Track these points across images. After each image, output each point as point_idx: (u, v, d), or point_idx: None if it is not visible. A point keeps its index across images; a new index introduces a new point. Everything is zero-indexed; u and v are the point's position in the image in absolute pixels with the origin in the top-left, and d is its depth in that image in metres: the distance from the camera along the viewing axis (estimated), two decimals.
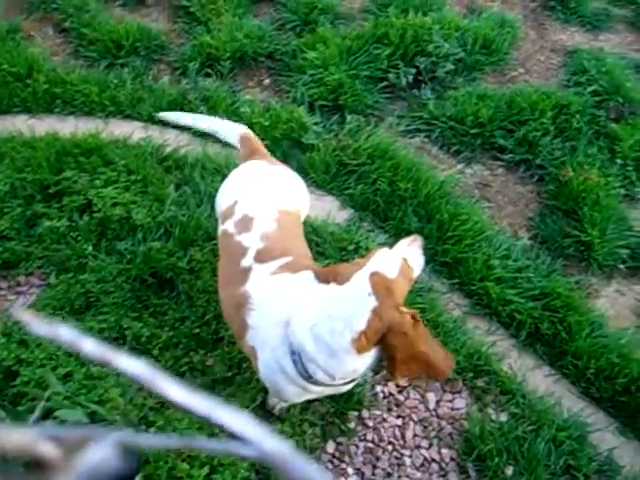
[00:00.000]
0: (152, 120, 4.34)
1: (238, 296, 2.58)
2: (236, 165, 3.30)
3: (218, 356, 3.25)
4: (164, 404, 3.00)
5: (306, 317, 2.31)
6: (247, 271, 2.62)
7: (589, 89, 4.80)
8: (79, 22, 4.91)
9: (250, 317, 2.52)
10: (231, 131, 3.42)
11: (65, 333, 0.71)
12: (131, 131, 4.27)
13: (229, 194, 2.94)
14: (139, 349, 3.25)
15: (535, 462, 3.09)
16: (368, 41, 4.83)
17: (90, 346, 0.68)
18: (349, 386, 2.58)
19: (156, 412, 3.01)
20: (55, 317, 3.31)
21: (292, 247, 2.74)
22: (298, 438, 3.05)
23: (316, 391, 2.51)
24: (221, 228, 2.85)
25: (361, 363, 2.32)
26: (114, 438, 0.68)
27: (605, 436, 3.29)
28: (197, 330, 3.33)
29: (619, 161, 4.40)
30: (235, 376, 3.19)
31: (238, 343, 2.73)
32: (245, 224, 2.74)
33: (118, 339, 3.28)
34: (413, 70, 4.72)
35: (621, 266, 3.98)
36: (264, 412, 3.12)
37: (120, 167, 3.95)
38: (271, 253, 2.64)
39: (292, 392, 2.53)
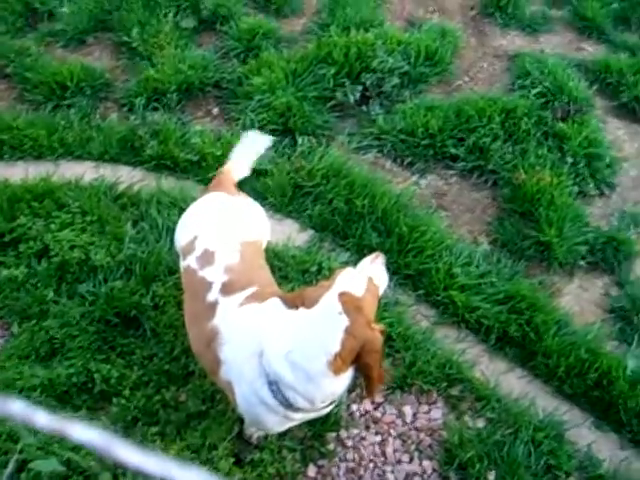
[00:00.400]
0: (103, 159, 4.32)
1: (207, 332, 2.56)
2: (192, 198, 3.30)
3: (190, 390, 3.22)
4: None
5: (279, 345, 2.30)
6: (214, 305, 2.60)
7: (534, 91, 4.86)
8: (21, 66, 4.87)
9: (222, 352, 2.50)
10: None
11: (17, 408, 0.69)
12: (83, 172, 4.23)
13: (188, 229, 2.93)
14: (109, 391, 3.21)
15: (516, 465, 3.10)
16: (313, 62, 4.85)
17: (43, 419, 0.66)
18: (328, 409, 2.57)
19: None
20: (21, 367, 3.26)
21: (256, 277, 2.74)
22: (278, 465, 3.02)
23: (297, 418, 2.50)
24: (183, 264, 2.84)
25: (339, 385, 2.32)
26: None
27: (582, 432, 3.32)
28: (167, 366, 3.30)
29: (569, 159, 4.46)
30: (209, 409, 3.16)
31: (212, 378, 2.70)
32: (207, 258, 2.74)
33: (87, 383, 3.23)
34: (360, 87, 4.75)
35: (581, 262, 4.02)
36: (242, 442, 3.09)
37: (74, 209, 3.91)
38: (236, 285, 2.64)
39: (273, 422, 2.51)
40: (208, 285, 2.66)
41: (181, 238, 2.93)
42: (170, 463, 0.64)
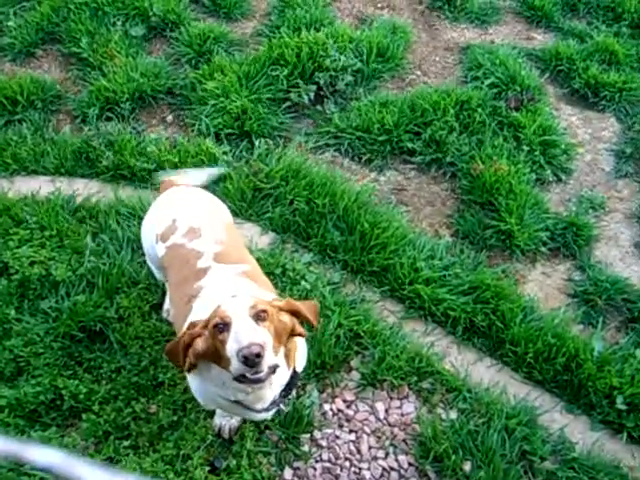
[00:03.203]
0: (59, 172, 4.26)
1: (192, 290, 2.60)
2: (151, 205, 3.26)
3: (161, 401, 3.19)
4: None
5: None
6: (205, 270, 2.66)
7: (486, 82, 4.91)
8: None
9: (196, 303, 2.55)
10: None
11: None
12: (38, 186, 4.17)
13: (164, 216, 2.96)
14: (78, 407, 3.17)
15: (491, 453, 3.12)
16: (265, 64, 4.84)
17: None
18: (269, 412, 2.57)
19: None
20: None
21: (247, 257, 2.86)
22: (254, 470, 3.01)
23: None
24: (165, 245, 2.85)
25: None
26: None
27: (554, 416, 3.35)
28: (135, 378, 3.27)
29: (525, 148, 4.51)
30: (181, 419, 3.14)
31: (177, 331, 2.68)
32: (194, 233, 2.80)
33: (55, 400, 3.19)
34: (314, 87, 4.75)
35: (543, 249, 4.06)
36: (218, 449, 3.07)
37: (32, 224, 3.86)
38: (231, 256, 2.72)
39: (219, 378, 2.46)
40: (199, 254, 2.71)
41: (157, 226, 2.94)
42: None
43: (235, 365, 2.14)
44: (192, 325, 2.33)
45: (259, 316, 2.19)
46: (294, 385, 2.59)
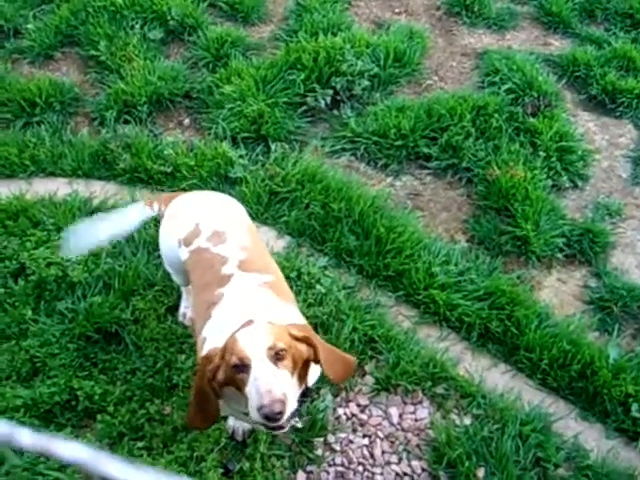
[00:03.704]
0: (76, 174, 4.29)
1: (213, 296, 2.60)
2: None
3: (175, 403, 3.20)
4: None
5: None
6: (229, 277, 2.65)
7: (503, 88, 4.90)
8: None
9: (215, 310, 2.55)
10: (130, 212, 3.31)
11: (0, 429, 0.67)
12: (56, 188, 4.20)
13: (185, 221, 2.94)
14: (93, 408, 3.18)
15: (505, 460, 3.11)
16: (282, 68, 4.86)
17: (28, 439, 0.65)
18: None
19: None
20: (3, 388, 3.23)
21: (272, 266, 2.84)
22: (267, 473, 3.01)
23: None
24: (189, 250, 2.84)
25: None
26: None
27: (568, 423, 3.33)
28: (150, 380, 3.28)
29: (542, 153, 4.50)
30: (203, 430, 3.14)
31: (195, 338, 2.69)
32: (218, 237, 2.79)
33: (70, 401, 3.20)
34: (330, 91, 4.75)
35: (559, 255, 4.05)
36: (232, 452, 3.08)
37: (49, 226, 3.88)
38: (254, 265, 2.71)
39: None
40: (224, 259, 2.70)
41: (179, 230, 2.92)
42: (159, 476, 0.63)
43: (255, 416, 2.14)
44: (208, 360, 2.29)
45: (278, 355, 2.17)
46: (307, 401, 2.59)
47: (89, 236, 3.28)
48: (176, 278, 3.27)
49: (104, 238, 3.30)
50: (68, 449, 0.63)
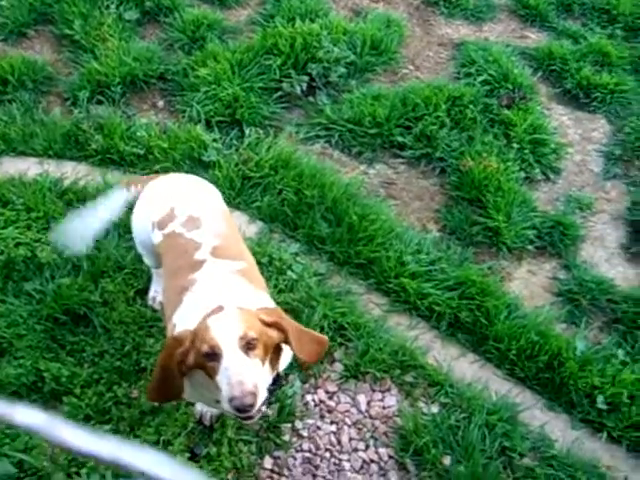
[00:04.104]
0: (47, 154, 4.23)
1: (185, 281, 2.58)
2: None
3: (142, 387, 3.18)
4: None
5: None
6: (201, 262, 2.63)
7: (479, 79, 4.92)
8: None
9: (187, 296, 2.53)
10: (114, 198, 3.27)
11: None
12: (26, 168, 4.14)
13: (160, 204, 2.91)
14: (60, 390, 3.15)
15: (471, 448, 3.13)
16: (258, 53, 4.83)
17: None
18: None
19: None
20: None
21: (245, 253, 2.83)
22: (234, 458, 3.01)
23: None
24: (162, 233, 2.81)
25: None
26: None
27: (535, 413, 3.36)
28: (118, 363, 3.25)
29: (515, 145, 4.52)
30: (163, 405, 3.13)
31: (165, 323, 2.68)
32: (193, 223, 2.77)
33: (37, 382, 3.17)
34: (306, 77, 4.74)
35: (529, 247, 4.08)
36: (199, 436, 3.07)
37: (19, 206, 3.84)
38: (227, 252, 2.69)
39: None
40: (197, 245, 2.69)
41: (153, 214, 2.89)
42: (123, 445, 0.62)
43: (225, 407, 2.13)
44: (177, 342, 2.25)
45: (249, 345, 2.16)
46: (278, 388, 2.58)
47: (81, 232, 3.26)
48: (147, 260, 3.25)
49: (96, 230, 3.27)
50: (25, 415, 0.61)
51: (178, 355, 2.23)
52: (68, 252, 3.51)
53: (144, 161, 4.20)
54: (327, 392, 3.34)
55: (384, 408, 3.31)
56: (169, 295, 2.70)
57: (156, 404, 3.09)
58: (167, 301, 2.73)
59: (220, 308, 2.27)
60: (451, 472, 3.08)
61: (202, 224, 2.77)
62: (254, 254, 3.59)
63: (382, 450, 3.18)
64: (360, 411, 3.29)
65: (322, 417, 3.26)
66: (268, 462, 3.08)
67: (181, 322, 2.47)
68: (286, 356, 2.51)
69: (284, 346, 2.40)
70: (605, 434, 3.30)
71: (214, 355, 2.14)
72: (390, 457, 3.16)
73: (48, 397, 3.17)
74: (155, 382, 2.35)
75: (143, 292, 3.53)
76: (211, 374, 2.17)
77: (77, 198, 3.95)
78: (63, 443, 0.62)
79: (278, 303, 2.96)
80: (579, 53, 5.25)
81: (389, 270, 3.75)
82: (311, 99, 4.75)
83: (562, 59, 5.18)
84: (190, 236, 2.73)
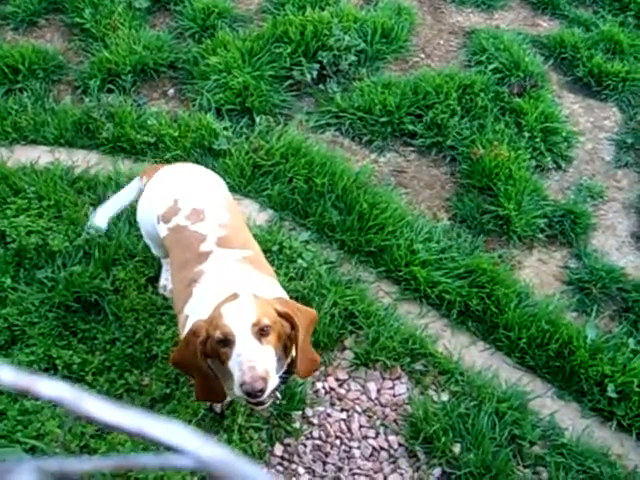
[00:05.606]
0: (58, 143, 4.25)
1: (193, 273, 2.61)
2: None
3: (154, 374, 3.20)
4: (104, 430, 2.93)
5: None
6: (207, 254, 2.66)
7: (490, 67, 4.89)
8: None
9: (196, 288, 2.56)
10: (131, 187, 3.35)
11: None
12: (37, 156, 4.16)
13: (164, 197, 2.92)
14: (71, 377, 3.18)
15: (481, 436, 3.14)
16: (269, 41, 4.82)
17: (8, 375, 0.64)
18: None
19: (97, 439, 2.95)
20: None
21: (250, 242, 2.85)
22: (245, 445, 3.03)
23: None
24: (167, 227, 2.83)
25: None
26: (33, 466, 0.63)
27: (545, 402, 3.36)
28: (129, 350, 3.28)
29: (526, 134, 4.50)
30: (174, 392, 3.15)
31: (177, 314, 2.70)
32: (197, 215, 2.79)
33: (49, 370, 3.20)
34: (316, 65, 4.73)
35: (540, 235, 4.06)
36: (210, 423, 3.09)
37: (30, 194, 3.86)
38: (233, 242, 2.71)
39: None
40: (202, 237, 2.71)
41: (158, 207, 2.91)
42: (146, 417, 0.62)
43: (237, 392, 2.16)
44: (195, 334, 2.28)
45: (263, 331, 2.19)
46: (289, 376, 2.59)
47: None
48: (155, 251, 3.27)
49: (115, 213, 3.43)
50: (50, 387, 0.62)
51: (199, 345, 2.25)
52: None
53: (155, 149, 4.21)
54: (337, 380, 3.35)
55: (394, 396, 3.32)
56: (178, 287, 2.72)
57: (167, 391, 3.12)
58: (177, 294, 2.75)
59: (235, 296, 2.29)
60: (461, 460, 3.09)
61: (206, 215, 2.78)
62: (265, 242, 3.63)
63: (392, 438, 3.18)
64: (370, 399, 3.30)
65: (332, 404, 3.27)
66: (278, 449, 3.10)
67: (194, 313, 2.49)
68: None
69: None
70: (615, 423, 3.30)
71: (227, 341, 2.17)
72: (400, 445, 3.17)
73: None
74: (195, 382, 2.41)
75: (154, 280, 3.55)
76: (224, 360, 2.20)
77: (88, 186, 3.98)
78: (88, 415, 0.63)
79: (288, 291, 2.98)
80: (590, 41, 5.21)
81: (399, 258, 3.75)
82: (321, 87, 4.74)
83: (573, 47, 5.14)
84: (195, 228, 2.75)
